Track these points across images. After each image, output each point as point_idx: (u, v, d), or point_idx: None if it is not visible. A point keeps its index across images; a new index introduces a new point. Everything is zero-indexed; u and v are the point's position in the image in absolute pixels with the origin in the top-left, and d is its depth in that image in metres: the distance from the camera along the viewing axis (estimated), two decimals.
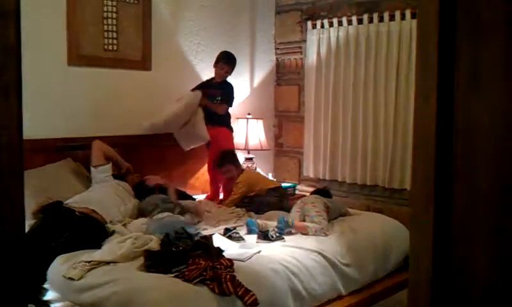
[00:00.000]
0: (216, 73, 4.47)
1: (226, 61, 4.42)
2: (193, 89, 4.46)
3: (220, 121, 4.45)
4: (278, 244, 3.02)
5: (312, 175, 5.28)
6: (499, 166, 0.68)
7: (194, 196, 4.28)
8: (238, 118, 5.00)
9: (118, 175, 3.71)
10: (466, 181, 0.73)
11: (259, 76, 5.46)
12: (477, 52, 0.68)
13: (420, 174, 0.83)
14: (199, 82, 4.60)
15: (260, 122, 5.03)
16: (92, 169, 3.57)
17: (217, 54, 4.51)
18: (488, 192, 0.69)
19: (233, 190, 4.05)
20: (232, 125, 4.70)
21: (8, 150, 0.68)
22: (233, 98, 4.53)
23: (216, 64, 4.45)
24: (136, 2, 4.25)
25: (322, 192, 3.85)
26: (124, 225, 3.15)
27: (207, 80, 4.57)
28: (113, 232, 3.01)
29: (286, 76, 5.55)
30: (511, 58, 0.64)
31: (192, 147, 4.40)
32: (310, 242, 3.05)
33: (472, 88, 0.70)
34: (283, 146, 5.63)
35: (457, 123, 0.74)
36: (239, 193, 4.02)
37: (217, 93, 4.44)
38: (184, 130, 4.29)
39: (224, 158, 4.19)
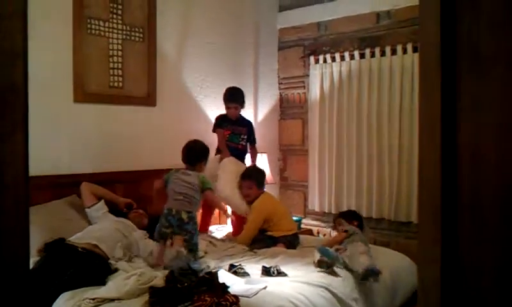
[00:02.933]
0: (229, 113, 4.47)
1: (230, 101, 4.43)
2: (216, 127, 4.45)
3: (242, 160, 4.47)
4: (284, 279, 2.98)
5: (317, 209, 5.26)
6: (504, 196, 0.68)
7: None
8: None
9: (119, 212, 3.69)
10: (472, 212, 0.72)
11: (263, 110, 5.51)
12: (477, 85, 0.69)
13: (426, 207, 0.83)
14: (212, 119, 4.64)
15: (265, 156, 5.04)
16: (87, 210, 3.57)
17: (224, 91, 4.50)
18: (494, 222, 0.69)
19: (248, 217, 3.92)
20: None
21: (14, 188, 0.68)
22: (254, 136, 4.63)
23: (226, 106, 4.46)
24: (141, 40, 4.32)
25: (352, 215, 3.82)
26: (127, 260, 3.13)
27: (223, 116, 4.51)
28: (116, 269, 2.99)
29: (290, 110, 5.59)
30: (511, 90, 0.65)
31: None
32: (316, 276, 3.01)
33: (474, 120, 0.71)
34: (288, 179, 5.62)
35: (461, 155, 0.75)
36: (254, 224, 3.83)
37: (242, 131, 4.50)
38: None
39: (251, 172, 4.09)
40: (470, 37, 0.69)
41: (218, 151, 4.46)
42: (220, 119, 4.50)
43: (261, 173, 4.18)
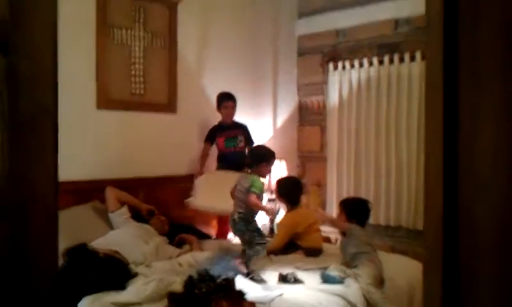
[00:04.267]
0: (223, 114, 4.47)
1: (227, 98, 4.46)
2: (207, 137, 4.49)
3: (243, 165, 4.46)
4: (301, 286, 3.00)
5: (335, 216, 5.25)
6: (500, 210, 0.71)
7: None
8: None
9: (141, 217, 3.77)
10: (469, 226, 0.75)
11: (282, 117, 5.55)
12: (475, 96, 0.73)
13: (431, 219, 0.86)
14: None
15: (284, 162, 5.07)
16: (110, 215, 3.66)
17: (217, 96, 4.52)
18: (490, 234, 0.72)
19: (277, 232, 3.89)
20: None
21: (45, 203, 0.73)
22: (251, 137, 4.58)
23: (220, 106, 4.45)
24: (162, 47, 4.41)
25: (354, 210, 3.61)
26: (147, 266, 3.20)
27: (217, 125, 4.53)
28: (136, 273, 3.05)
29: (308, 117, 5.62)
30: (509, 103, 0.68)
31: None
32: (332, 285, 3.02)
33: (473, 134, 0.74)
34: (306, 186, 5.63)
35: (461, 169, 0.78)
36: (281, 241, 3.75)
37: (236, 133, 4.48)
38: None
39: (281, 189, 3.92)
40: (469, 54, 0.73)
41: (219, 160, 4.49)
42: (210, 132, 4.51)
43: (291, 187, 3.97)
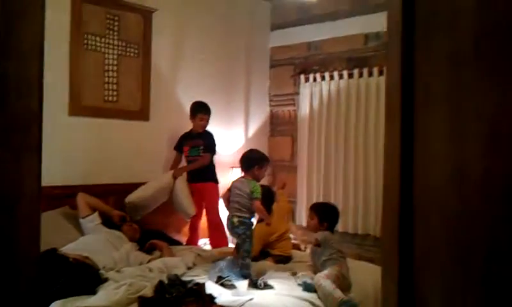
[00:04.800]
0: (196, 124, 4.50)
1: (205, 111, 4.50)
2: (176, 145, 4.57)
3: (206, 174, 4.48)
4: (270, 291, 3.07)
5: (304, 224, 5.36)
6: (450, 213, 0.80)
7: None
8: (232, 167, 5.12)
9: (112, 224, 3.78)
10: (423, 227, 0.84)
11: (254, 127, 5.63)
12: (426, 116, 0.82)
13: (387, 224, 0.95)
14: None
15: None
16: (81, 220, 3.67)
17: (191, 105, 4.56)
18: (442, 236, 0.81)
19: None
20: (218, 176, 4.67)
21: (30, 200, 0.79)
22: (215, 145, 4.58)
23: (194, 116, 4.49)
24: (136, 55, 4.44)
25: (325, 213, 3.60)
26: (118, 271, 3.22)
27: (186, 133, 4.58)
28: (106, 278, 3.07)
29: (280, 127, 5.72)
30: (454, 122, 0.77)
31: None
32: (301, 290, 3.10)
33: (424, 148, 0.83)
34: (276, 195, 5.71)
35: (416, 178, 0.87)
36: (254, 248, 3.66)
37: (199, 143, 4.51)
38: (174, 205, 4.38)
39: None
40: (423, 78, 0.83)
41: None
42: (179, 140, 4.58)
43: (264, 197, 3.74)
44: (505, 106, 0.69)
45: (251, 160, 3.63)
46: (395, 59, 0.87)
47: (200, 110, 4.50)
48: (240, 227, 3.45)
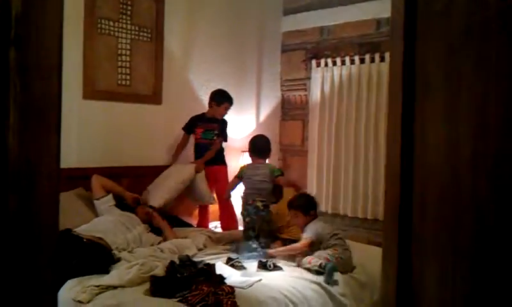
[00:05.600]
0: (217, 111, 4.55)
1: (230, 102, 4.58)
2: (186, 126, 4.57)
3: (217, 158, 4.56)
4: (279, 273, 3.14)
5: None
6: (441, 189, 0.84)
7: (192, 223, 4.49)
8: (243, 151, 5.16)
9: (126, 206, 3.85)
10: (421, 212, 0.88)
11: (265, 111, 5.66)
12: (425, 103, 0.86)
13: (389, 207, 0.99)
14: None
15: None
16: (95, 202, 3.74)
17: (215, 92, 4.59)
18: (436, 220, 0.85)
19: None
20: (229, 160, 4.78)
21: (49, 178, 0.84)
22: (227, 133, 4.68)
23: (219, 104, 4.53)
24: (148, 40, 4.49)
25: (308, 203, 3.59)
26: (130, 252, 3.30)
27: (198, 116, 4.61)
28: (119, 258, 3.15)
29: (291, 112, 5.75)
30: (449, 108, 0.82)
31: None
32: (309, 272, 3.16)
33: (423, 133, 0.88)
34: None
35: (416, 162, 0.91)
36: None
37: (214, 127, 4.57)
38: (192, 195, 4.42)
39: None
40: (423, 68, 0.87)
41: (195, 150, 4.58)
42: (191, 121, 4.58)
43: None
44: (491, 93, 0.74)
45: (268, 147, 3.91)
46: (397, 49, 0.92)
47: (226, 100, 4.56)
48: (265, 210, 3.62)
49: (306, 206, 3.56)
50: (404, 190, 0.95)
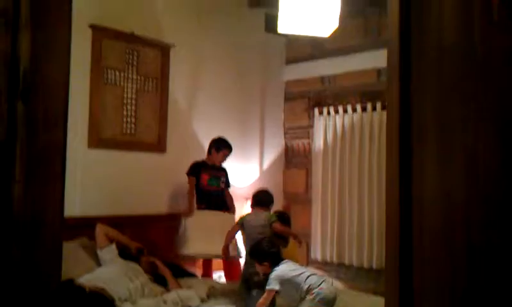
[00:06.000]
0: (216, 158, 4.60)
1: (229, 149, 4.64)
2: (190, 171, 4.53)
3: (223, 205, 4.59)
4: None
5: (319, 258, 5.35)
6: (442, 234, 0.86)
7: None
8: (247, 199, 5.15)
9: (130, 255, 3.83)
10: (420, 259, 0.89)
11: (269, 159, 5.69)
12: (421, 148, 0.89)
13: (389, 251, 0.99)
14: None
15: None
16: (98, 251, 3.72)
17: (214, 139, 4.64)
18: (433, 265, 0.86)
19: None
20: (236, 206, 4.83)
21: (52, 230, 0.85)
22: (229, 180, 4.77)
23: (218, 151, 4.58)
24: (154, 89, 4.57)
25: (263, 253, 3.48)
26: (133, 303, 3.25)
27: (201, 163, 4.60)
28: None
29: (294, 159, 5.78)
30: (442, 155, 0.84)
31: None
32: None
33: (421, 175, 0.89)
34: (291, 228, 5.72)
35: (414, 205, 0.92)
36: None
37: (221, 174, 4.64)
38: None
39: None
40: (419, 116, 0.90)
41: (199, 198, 4.54)
42: (195, 166, 4.57)
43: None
44: (479, 142, 0.76)
45: (271, 199, 4.00)
46: (394, 102, 0.95)
47: (225, 146, 4.63)
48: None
49: (260, 255, 3.44)
50: (403, 238, 0.96)
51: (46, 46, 0.89)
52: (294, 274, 3.29)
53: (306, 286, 3.19)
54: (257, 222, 3.71)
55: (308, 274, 3.32)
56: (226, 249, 3.87)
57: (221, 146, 4.62)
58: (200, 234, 4.20)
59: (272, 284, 3.25)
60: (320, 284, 3.21)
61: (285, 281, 3.26)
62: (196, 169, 4.58)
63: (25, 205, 0.83)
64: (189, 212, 4.41)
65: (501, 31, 0.83)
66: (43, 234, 0.85)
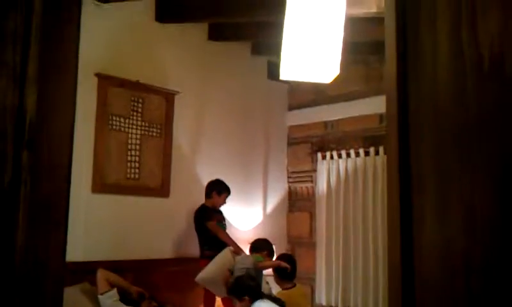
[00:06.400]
0: (217, 202, 4.61)
1: (229, 191, 4.67)
2: (208, 221, 4.51)
3: (224, 246, 4.53)
4: None
5: (324, 302, 5.28)
6: (436, 286, 0.86)
7: None
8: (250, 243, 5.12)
9: (131, 300, 3.79)
10: (422, 299, 0.90)
11: (272, 203, 5.69)
12: (420, 198, 0.90)
13: (392, 298, 1.00)
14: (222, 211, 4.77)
15: (273, 247, 5.14)
16: (99, 297, 3.69)
17: (213, 182, 4.64)
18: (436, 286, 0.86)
19: None
20: None
21: (54, 276, 0.86)
22: None
23: (220, 194, 4.61)
24: (158, 135, 4.63)
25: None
26: None
27: (206, 207, 4.60)
28: None
29: (298, 203, 5.77)
30: (441, 204, 0.85)
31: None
32: None
33: (420, 227, 0.91)
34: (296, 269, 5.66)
35: (416, 254, 0.93)
36: None
37: (222, 217, 4.70)
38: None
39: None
40: (417, 166, 0.92)
41: (209, 242, 4.47)
42: (207, 212, 4.55)
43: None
44: (477, 193, 0.78)
45: (260, 245, 4.21)
46: (393, 151, 0.97)
47: (226, 189, 4.66)
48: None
49: (239, 290, 3.41)
50: (405, 286, 0.97)
51: (52, 98, 0.93)
52: None
53: None
54: (243, 264, 3.75)
55: None
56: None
57: (222, 189, 4.65)
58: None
59: None
60: None
61: None
62: (209, 214, 4.57)
63: (27, 252, 0.85)
64: (238, 249, 4.42)
65: (492, 82, 0.87)
66: (45, 282, 0.86)
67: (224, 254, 4.27)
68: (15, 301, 0.82)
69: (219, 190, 4.63)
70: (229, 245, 4.39)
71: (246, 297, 3.34)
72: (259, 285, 3.55)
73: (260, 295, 3.37)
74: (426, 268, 0.92)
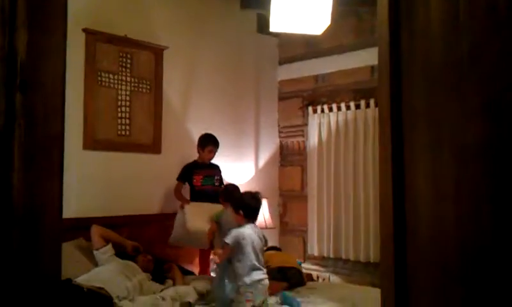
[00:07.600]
0: (205, 157, 4.59)
1: (214, 144, 4.59)
2: (181, 175, 4.53)
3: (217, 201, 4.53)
4: None
5: (316, 253, 5.39)
6: (434, 229, 0.88)
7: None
8: None
9: (126, 254, 3.85)
10: (413, 246, 0.92)
11: (264, 158, 5.72)
12: (412, 133, 0.92)
13: (384, 239, 1.02)
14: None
15: (265, 201, 5.20)
16: (94, 252, 3.73)
17: (200, 137, 4.62)
18: (426, 251, 0.88)
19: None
20: None
21: (50, 225, 0.88)
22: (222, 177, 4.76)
23: (203, 148, 4.57)
24: (148, 91, 4.59)
25: None
26: (131, 300, 3.27)
27: (191, 164, 4.61)
28: None
29: (289, 157, 5.81)
30: (431, 142, 0.87)
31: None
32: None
33: (411, 165, 0.92)
34: (287, 224, 5.77)
35: (406, 193, 0.95)
36: None
37: (213, 173, 4.63)
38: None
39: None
40: (409, 101, 0.93)
41: (193, 197, 4.52)
42: (186, 170, 4.57)
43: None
44: (467, 124, 0.79)
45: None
46: (385, 94, 0.98)
47: (209, 143, 4.59)
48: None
49: (237, 201, 3.37)
50: (397, 225, 0.99)
51: (42, 42, 0.92)
52: (247, 247, 3.15)
53: (240, 283, 3.13)
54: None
55: (258, 266, 3.17)
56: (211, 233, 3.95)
57: (206, 143, 4.59)
58: (198, 217, 4.19)
59: (230, 239, 3.16)
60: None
61: (237, 247, 3.16)
62: (187, 173, 4.57)
63: (24, 194, 0.85)
64: (185, 201, 4.41)
65: (483, 19, 0.87)
66: (42, 224, 0.87)
67: (178, 214, 4.35)
68: (13, 237, 0.83)
69: (202, 144, 4.60)
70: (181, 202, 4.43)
71: (241, 212, 3.27)
72: (258, 209, 3.37)
73: (254, 220, 3.30)
74: (418, 208, 0.94)
